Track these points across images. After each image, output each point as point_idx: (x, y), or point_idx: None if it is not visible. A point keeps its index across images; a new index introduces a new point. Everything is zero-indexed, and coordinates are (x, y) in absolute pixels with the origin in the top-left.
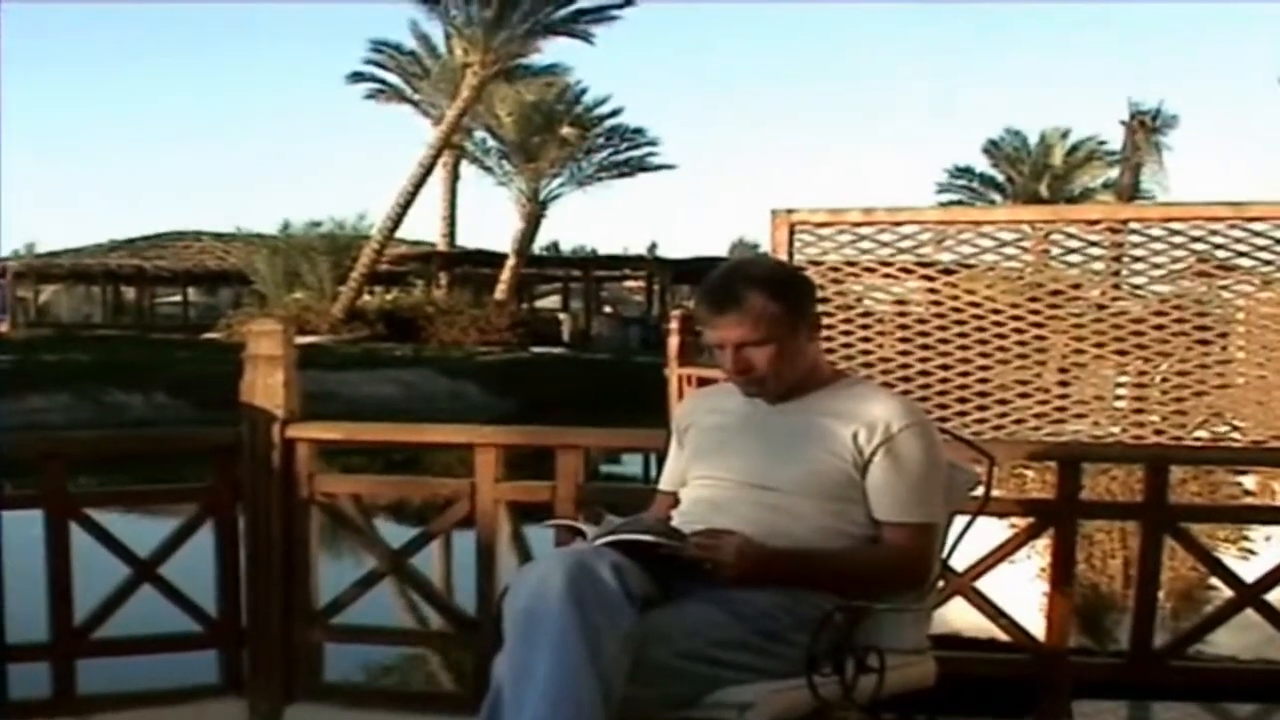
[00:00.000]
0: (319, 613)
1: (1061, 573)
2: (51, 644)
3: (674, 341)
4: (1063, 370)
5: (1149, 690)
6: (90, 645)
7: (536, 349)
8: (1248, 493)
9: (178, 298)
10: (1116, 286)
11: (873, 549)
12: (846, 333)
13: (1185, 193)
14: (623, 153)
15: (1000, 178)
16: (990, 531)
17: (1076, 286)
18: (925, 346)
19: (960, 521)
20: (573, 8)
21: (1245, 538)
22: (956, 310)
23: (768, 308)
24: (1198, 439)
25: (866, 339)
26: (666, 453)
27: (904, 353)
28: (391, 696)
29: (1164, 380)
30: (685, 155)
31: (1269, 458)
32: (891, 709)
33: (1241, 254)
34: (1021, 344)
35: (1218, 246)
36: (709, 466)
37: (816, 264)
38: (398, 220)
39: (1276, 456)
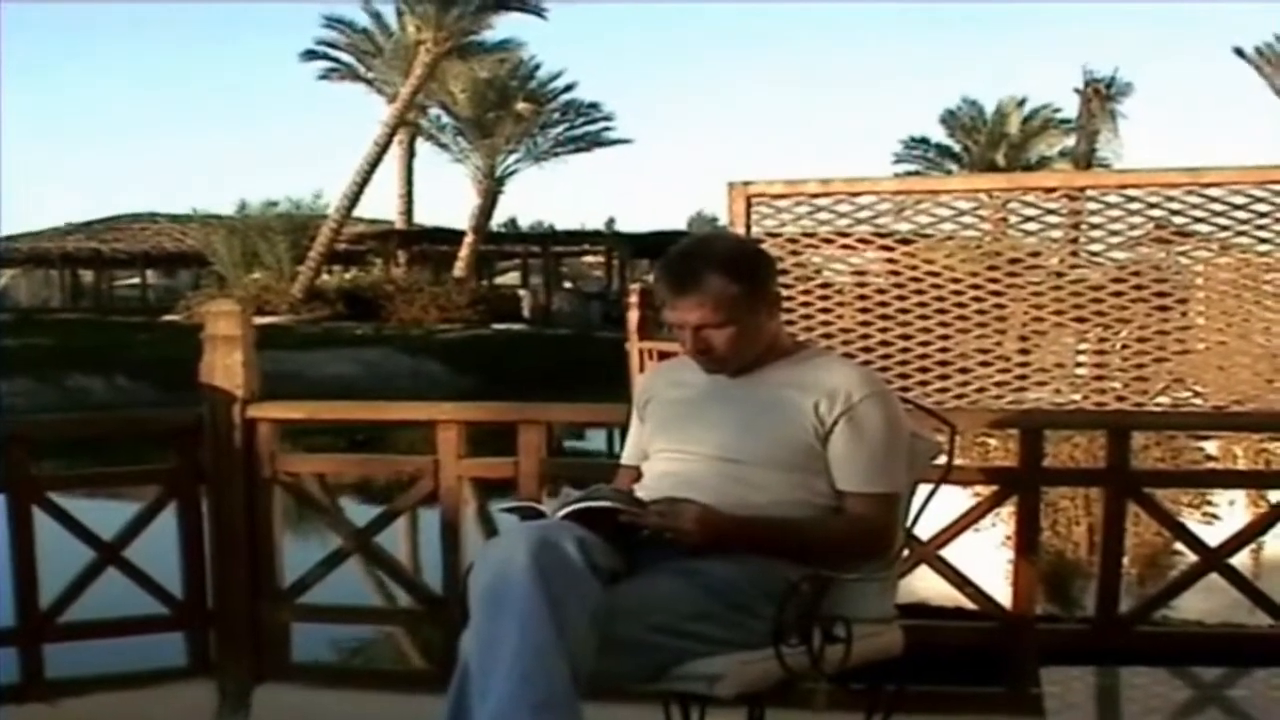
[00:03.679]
0: (285, 592)
1: (1026, 540)
2: (17, 629)
3: (634, 316)
4: (1023, 338)
5: (1116, 655)
6: (57, 630)
7: (497, 325)
8: (1210, 458)
9: (136, 280)
10: (1075, 254)
11: (835, 519)
12: (806, 304)
13: (1141, 160)
14: (578, 128)
15: (957, 147)
16: (954, 500)
17: (1035, 254)
18: (885, 316)
19: (923, 490)
20: None
21: (1208, 502)
22: (915, 280)
23: (728, 290)
24: (1159, 405)
25: (826, 310)
26: (628, 427)
27: (864, 323)
28: (361, 675)
29: (1124, 347)
30: (641, 129)
31: (1230, 422)
32: (859, 678)
33: (1198, 220)
34: (981, 313)
35: (1175, 213)
36: (671, 440)
37: (774, 236)
38: (355, 199)
39: (1238, 421)
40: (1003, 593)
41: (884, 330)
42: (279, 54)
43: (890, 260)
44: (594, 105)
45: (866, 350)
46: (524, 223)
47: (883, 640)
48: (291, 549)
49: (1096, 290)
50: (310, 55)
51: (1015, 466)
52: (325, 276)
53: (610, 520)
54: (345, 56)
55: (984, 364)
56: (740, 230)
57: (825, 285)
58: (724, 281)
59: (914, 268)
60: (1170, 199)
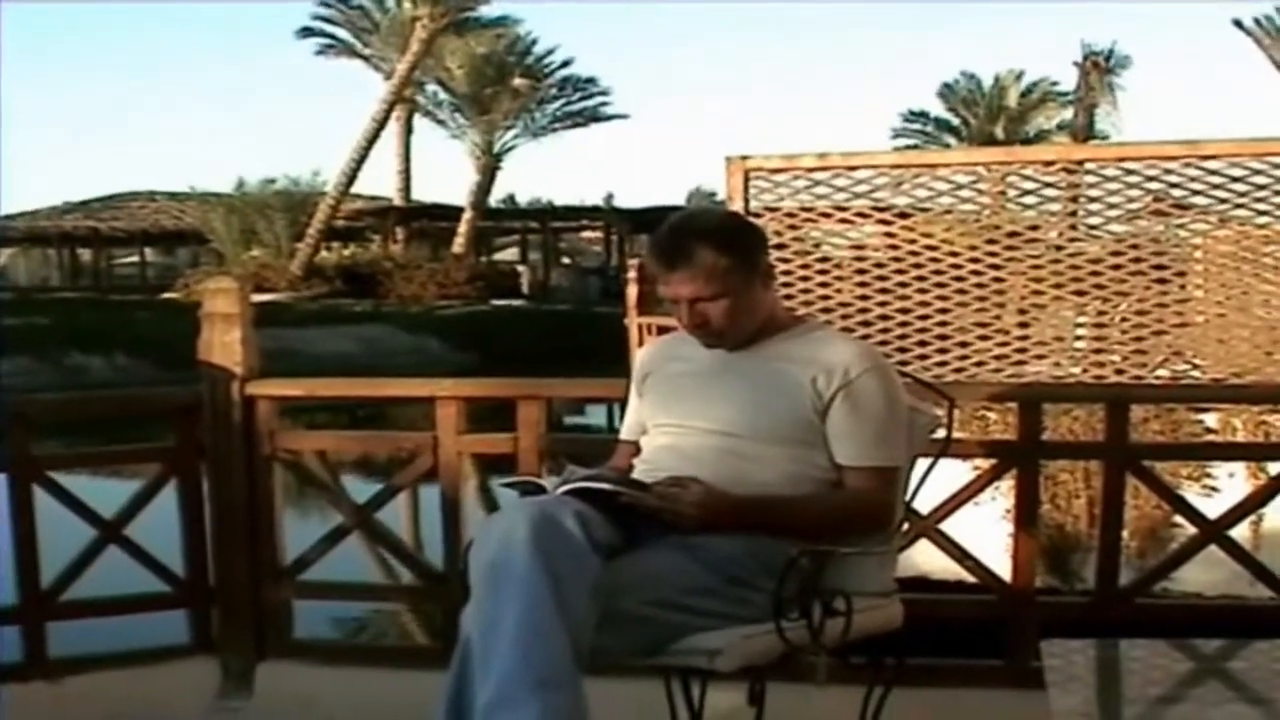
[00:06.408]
0: (287, 570)
1: (1026, 514)
2: (20, 607)
3: (633, 291)
4: (1022, 312)
5: (1116, 628)
6: (59, 608)
7: (496, 302)
8: (1209, 430)
9: (135, 258)
10: (1073, 227)
11: (835, 494)
12: (805, 279)
13: (1139, 133)
14: (576, 103)
15: (955, 121)
16: (954, 473)
17: (1034, 228)
18: (884, 290)
19: (922, 464)
20: None
21: (1208, 475)
22: (914, 254)
23: (718, 262)
24: (1158, 378)
25: (825, 284)
26: (628, 402)
27: (863, 297)
28: (363, 652)
29: (1123, 320)
30: (639, 104)
31: (1229, 395)
32: (859, 652)
33: (1197, 192)
34: (980, 286)
35: (1173, 185)
36: (670, 414)
37: (772, 210)
38: (352, 176)
39: (1237, 394)
40: (1003, 566)
41: (883, 304)
42: (276, 30)
43: (888, 234)
44: (591, 80)
45: (865, 324)
46: (522, 199)
47: (883, 614)
48: (293, 526)
49: (1095, 264)
50: (307, 32)
51: (1014, 440)
52: (324, 253)
53: (611, 500)
54: (342, 32)
55: (983, 338)
56: (738, 205)
57: (824, 259)
58: (714, 253)
59: (912, 242)
60: (1168, 172)
